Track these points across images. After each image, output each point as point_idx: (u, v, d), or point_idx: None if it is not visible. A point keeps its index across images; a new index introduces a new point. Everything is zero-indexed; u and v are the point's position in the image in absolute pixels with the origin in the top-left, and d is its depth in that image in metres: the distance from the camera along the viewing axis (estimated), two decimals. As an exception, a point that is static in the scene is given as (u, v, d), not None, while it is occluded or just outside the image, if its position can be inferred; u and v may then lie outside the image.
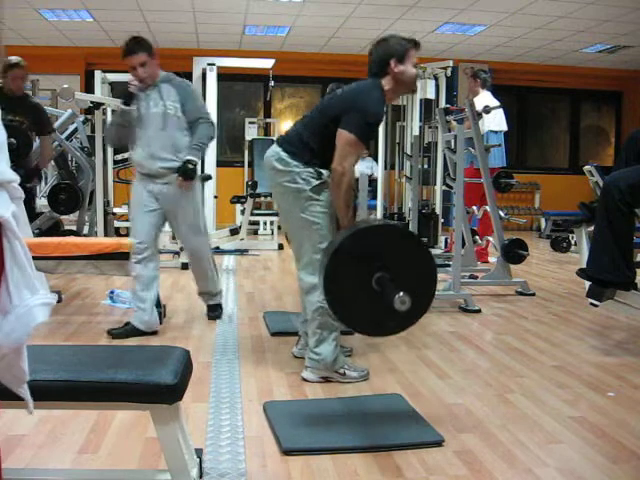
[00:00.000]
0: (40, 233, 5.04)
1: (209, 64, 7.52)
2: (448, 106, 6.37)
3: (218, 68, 7.55)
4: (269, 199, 9.44)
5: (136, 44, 3.64)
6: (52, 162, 5.82)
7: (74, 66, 9.58)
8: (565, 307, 4.67)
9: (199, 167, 3.70)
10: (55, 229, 5.39)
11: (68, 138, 5.82)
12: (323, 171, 2.81)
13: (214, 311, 4.09)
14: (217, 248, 7.02)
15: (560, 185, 10.64)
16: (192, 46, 9.51)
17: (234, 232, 6.66)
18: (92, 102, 5.53)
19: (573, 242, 7.24)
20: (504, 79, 10.00)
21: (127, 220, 7.05)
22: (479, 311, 4.45)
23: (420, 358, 3.31)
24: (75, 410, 2.28)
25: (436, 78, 6.98)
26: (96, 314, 4.14)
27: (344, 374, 2.90)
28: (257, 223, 9.15)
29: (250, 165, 9.86)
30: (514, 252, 5.07)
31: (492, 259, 6.29)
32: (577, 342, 3.69)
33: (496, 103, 6.01)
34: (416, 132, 6.76)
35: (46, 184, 6.74)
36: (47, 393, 1.51)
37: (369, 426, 2.37)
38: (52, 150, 5.24)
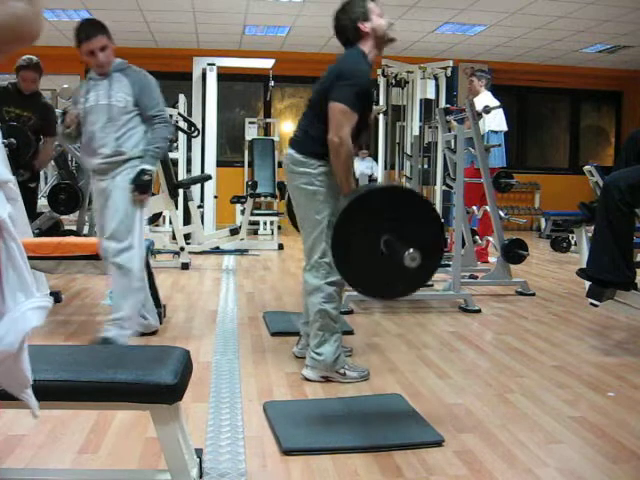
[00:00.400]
0: (40, 233, 5.04)
1: (209, 64, 7.53)
2: (448, 106, 6.37)
3: (218, 68, 7.56)
4: (269, 199, 9.45)
5: (94, 27, 3.19)
6: (52, 162, 5.82)
7: (74, 66, 9.53)
8: (565, 307, 4.67)
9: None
10: (55, 229, 5.39)
11: (68, 138, 5.81)
12: None
13: (103, 342, 3.12)
14: (217, 248, 7.03)
15: (560, 185, 10.64)
16: (192, 46, 9.52)
17: (234, 232, 6.66)
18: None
19: (573, 242, 7.24)
20: (504, 79, 10.00)
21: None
22: (479, 311, 4.45)
23: (420, 358, 3.31)
24: (75, 410, 2.28)
25: (436, 78, 6.97)
26: (96, 314, 4.14)
27: (344, 374, 2.90)
28: (257, 223, 9.15)
29: (250, 165, 9.86)
30: (514, 252, 5.07)
31: (492, 259, 6.29)
32: (577, 342, 3.69)
33: (496, 103, 6.01)
34: (416, 132, 6.75)
35: (46, 184, 6.74)
36: (47, 393, 1.51)
37: (369, 426, 2.37)
38: (53, 152, 5.26)
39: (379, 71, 7.05)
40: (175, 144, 7.93)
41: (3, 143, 0.97)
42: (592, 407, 2.63)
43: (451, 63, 7.10)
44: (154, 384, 1.56)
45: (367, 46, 2.86)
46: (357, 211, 2.30)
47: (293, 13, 8.07)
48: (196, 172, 7.57)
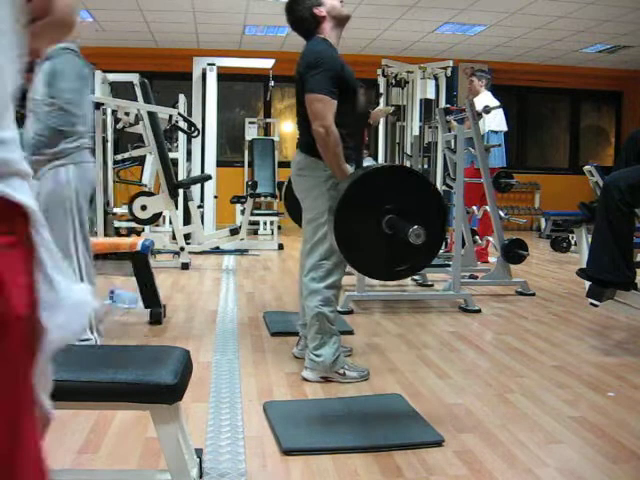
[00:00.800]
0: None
1: (209, 64, 7.53)
2: (448, 106, 6.37)
3: (218, 68, 7.56)
4: (269, 199, 9.45)
5: None
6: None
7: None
8: (565, 307, 4.67)
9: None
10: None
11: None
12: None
13: None
14: (217, 248, 7.03)
15: (560, 185, 10.64)
16: (192, 46, 9.51)
17: (234, 232, 6.65)
18: (92, 102, 5.52)
19: (573, 242, 7.25)
20: (504, 79, 10.00)
21: (127, 220, 7.06)
22: (479, 311, 4.45)
23: (420, 358, 3.31)
24: (75, 410, 2.28)
25: (436, 78, 6.98)
26: (96, 314, 4.13)
27: (344, 374, 2.90)
28: (257, 223, 9.15)
29: (250, 165, 9.86)
30: (514, 252, 5.07)
31: (492, 259, 6.29)
32: (577, 342, 3.69)
33: (496, 103, 6.01)
34: (416, 132, 6.75)
35: None
36: (47, 393, 1.51)
37: (369, 426, 2.37)
38: None
39: (379, 71, 7.05)
40: (175, 144, 7.94)
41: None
42: (592, 407, 2.63)
43: (451, 63, 7.11)
44: (154, 384, 1.57)
45: (327, 30, 2.86)
46: (356, 195, 2.30)
47: (293, 13, 8.06)
48: (196, 172, 7.57)
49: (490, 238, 5.58)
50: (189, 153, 7.78)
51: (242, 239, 6.83)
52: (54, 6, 0.89)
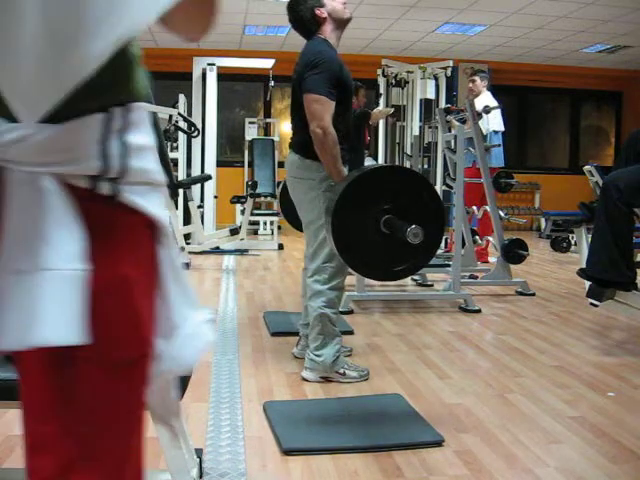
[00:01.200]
0: None
1: (209, 64, 7.53)
2: (449, 106, 6.38)
3: (218, 68, 7.56)
4: (269, 199, 9.44)
5: None
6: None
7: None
8: (565, 307, 4.67)
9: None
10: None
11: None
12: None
13: None
14: (217, 248, 7.03)
15: (560, 185, 10.63)
16: (192, 46, 9.50)
17: (234, 232, 6.65)
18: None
19: (573, 242, 7.25)
20: (504, 79, 10.00)
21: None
22: (479, 311, 4.45)
23: (420, 358, 3.31)
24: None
25: (436, 78, 6.98)
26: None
27: (344, 374, 2.90)
28: (257, 223, 9.15)
29: (250, 165, 9.86)
30: (514, 252, 5.07)
31: (492, 259, 6.29)
32: (577, 342, 3.69)
33: (496, 103, 6.01)
34: (416, 132, 6.76)
35: None
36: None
37: (369, 426, 2.37)
38: None
39: (379, 71, 7.06)
40: (175, 144, 7.94)
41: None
42: (592, 407, 2.63)
43: (451, 63, 7.11)
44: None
45: (327, 31, 2.86)
46: (353, 196, 2.29)
47: (293, 13, 8.06)
48: (196, 172, 7.57)
49: (490, 238, 5.58)
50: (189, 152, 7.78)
51: (242, 239, 6.83)
52: None
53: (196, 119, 7.41)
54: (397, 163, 7.72)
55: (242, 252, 7.30)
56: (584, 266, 3.41)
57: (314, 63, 2.72)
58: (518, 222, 6.30)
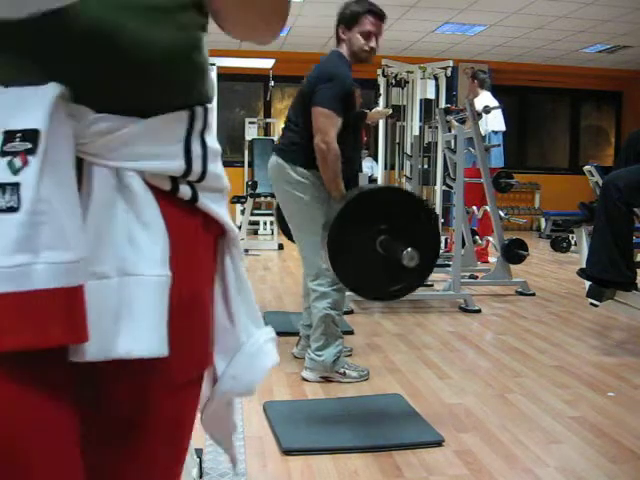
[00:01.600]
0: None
1: (209, 64, 7.53)
2: (448, 106, 6.37)
3: (218, 68, 7.56)
4: (269, 199, 9.44)
5: None
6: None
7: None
8: (565, 307, 4.67)
9: None
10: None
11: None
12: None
13: None
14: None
15: (560, 185, 10.63)
16: (192, 46, 9.50)
17: (234, 232, 6.64)
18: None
19: (573, 242, 7.24)
20: (504, 79, 10.00)
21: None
22: (479, 311, 4.45)
23: (420, 358, 3.31)
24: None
25: (436, 78, 6.97)
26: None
27: (344, 374, 2.90)
28: (257, 223, 9.15)
29: (250, 165, 9.85)
30: (514, 252, 5.07)
31: (492, 259, 6.29)
32: (577, 342, 3.69)
33: (496, 103, 6.01)
34: (416, 132, 6.75)
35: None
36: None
37: (369, 426, 2.37)
38: None
39: (379, 71, 7.05)
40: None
41: None
42: (592, 407, 2.63)
43: (451, 63, 7.10)
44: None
45: (344, 50, 2.87)
46: (350, 215, 2.29)
47: (293, 13, 8.06)
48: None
49: (490, 238, 5.58)
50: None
51: (242, 239, 6.83)
52: None
53: (196, 119, 7.39)
54: (397, 163, 7.72)
55: (242, 252, 7.30)
56: (584, 266, 3.41)
57: (327, 77, 2.74)
58: (518, 222, 6.30)
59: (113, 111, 0.66)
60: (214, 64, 7.50)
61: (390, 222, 2.24)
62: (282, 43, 9.52)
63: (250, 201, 6.84)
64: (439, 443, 2.24)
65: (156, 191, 0.69)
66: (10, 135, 0.61)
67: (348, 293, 4.30)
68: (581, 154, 11.43)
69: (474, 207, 5.84)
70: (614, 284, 3.23)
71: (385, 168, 7.53)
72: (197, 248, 0.75)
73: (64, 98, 0.63)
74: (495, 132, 6.45)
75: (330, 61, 2.84)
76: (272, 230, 8.74)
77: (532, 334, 3.86)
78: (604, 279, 3.24)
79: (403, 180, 7.22)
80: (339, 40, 2.87)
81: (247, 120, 9.94)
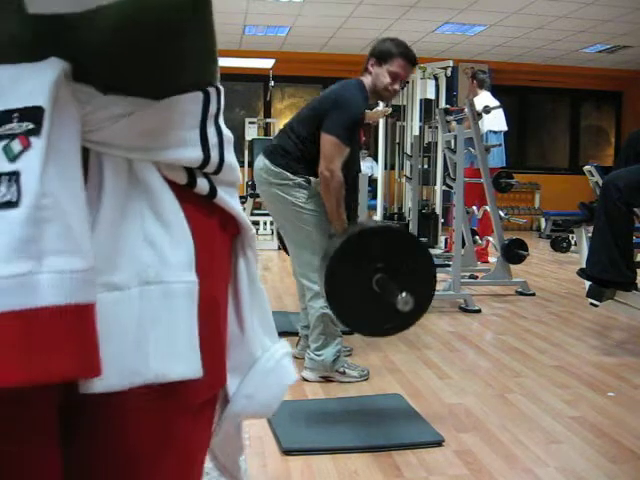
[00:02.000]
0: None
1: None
2: (448, 106, 6.37)
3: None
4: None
5: None
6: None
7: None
8: (565, 307, 4.66)
9: None
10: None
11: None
12: (312, 179, 2.80)
13: None
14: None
15: (560, 185, 10.63)
16: (192, 46, 9.50)
17: (234, 232, 6.64)
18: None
19: (573, 242, 7.24)
20: (504, 79, 10.00)
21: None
22: (479, 311, 4.45)
23: (420, 358, 3.31)
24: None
25: (436, 78, 6.97)
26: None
27: (344, 373, 2.90)
28: (257, 223, 9.15)
29: (250, 165, 9.85)
30: (514, 252, 5.06)
31: (492, 259, 6.29)
32: (577, 342, 3.69)
33: (496, 103, 6.01)
34: (416, 132, 6.75)
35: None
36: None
37: (369, 426, 2.37)
38: None
39: (379, 71, 7.03)
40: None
41: None
42: (592, 407, 2.63)
43: (451, 63, 7.10)
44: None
45: (368, 83, 2.87)
46: (350, 251, 2.31)
47: (293, 13, 8.07)
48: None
49: (490, 238, 5.58)
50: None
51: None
52: None
53: (196, 119, 7.40)
54: (397, 163, 7.73)
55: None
56: (584, 266, 3.41)
57: (342, 104, 2.74)
58: (518, 222, 6.30)
59: (123, 92, 0.57)
60: (214, 64, 7.50)
61: (388, 261, 2.26)
62: (282, 43, 9.52)
63: (250, 201, 6.83)
64: (439, 443, 2.23)
65: (171, 185, 0.60)
66: (5, 116, 0.51)
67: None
68: (581, 154, 11.44)
69: (474, 207, 5.84)
70: (614, 284, 3.23)
71: (385, 168, 7.53)
72: (216, 250, 0.66)
73: (67, 76, 0.54)
74: (495, 132, 6.45)
75: (349, 89, 2.84)
76: (272, 230, 8.73)
77: (532, 334, 3.86)
78: (604, 279, 3.24)
79: (403, 180, 7.22)
80: (365, 70, 2.89)
81: (247, 120, 9.94)
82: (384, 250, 2.29)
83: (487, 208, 5.33)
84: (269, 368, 0.71)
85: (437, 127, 6.13)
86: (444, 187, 6.03)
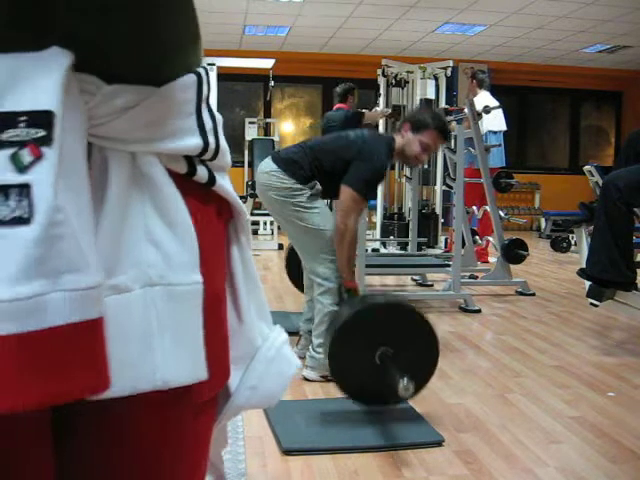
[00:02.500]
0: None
1: (209, 64, 7.52)
2: (448, 106, 6.38)
3: (218, 68, 7.56)
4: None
5: None
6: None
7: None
8: (565, 307, 4.66)
9: None
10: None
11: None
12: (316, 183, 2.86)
13: None
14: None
15: (560, 185, 10.63)
16: (192, 46, 9.50)
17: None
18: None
19: (573, 242, 7.24)
20: (504, 79, 10.00)
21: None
22: (479, 311, 4.45)
23: (420, 358, 3.31)
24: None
25: (436, 78, 6.98)
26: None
27: (344, 374, 2.90)
28: (257, 223, 9.15)
29: (250, 165, 9.85)
30: (514, 252, 5.07)
31: (492, 259, 6.29)
32: (577, 342, 3.69)
33: (496, 103, 6.01)
34: (416, 132, 6.75)
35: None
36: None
37: (369, 426, 2.37)
38: None
39: (379, 71, 7.05)
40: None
41: None
42: (592, 407, 2.63)
43: (451, 63, 7.11)
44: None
45: (398, 142, 2.93)
46: (356, 324, 2.35)
47: (293, 13, 8.07)
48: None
49: (490, 238, 5.58)
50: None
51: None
52: None
53: (196, 119, 7.39)
54: (397, 163, 7.72)
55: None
56: (584, 266, 3.41)
57: (369, 156, 2.78)
58: (518, 222, 6.31)
59: (125, 80, 0.53)
60: (214, 64, 7.50)
61: (391, 337, 2.30)
62: (282, 43, 9.52)
63: (250, 201, 6.83)
64: (439, 443, 2.23)
65: (173, 177, 0.58)
66: (9, 119, 0.46)
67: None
68: (581, 154, 11.43)
69: (474, 207, 5.84)
70: (614, 284, 3.23)
71: (385, 168, 7.51)
72: (215, 241, 0.64)
73: (71, 68, 0.49)
74: (494, 132, 6.45)
75: (377, 142, 2.89)
76: (272, 230, 8.73)
77: (532, 334, 3.86)
78: (604, 279, 3.24)
79: (403, 180, 7.23)
80: (399, 131, 2.97)
81: (247, 120, 9.94)
82: (390, 326, 2.33)
83: (487, 208, 5.33)
84: (270, 357, 0.69)
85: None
86: (444, 187, 6.03)
